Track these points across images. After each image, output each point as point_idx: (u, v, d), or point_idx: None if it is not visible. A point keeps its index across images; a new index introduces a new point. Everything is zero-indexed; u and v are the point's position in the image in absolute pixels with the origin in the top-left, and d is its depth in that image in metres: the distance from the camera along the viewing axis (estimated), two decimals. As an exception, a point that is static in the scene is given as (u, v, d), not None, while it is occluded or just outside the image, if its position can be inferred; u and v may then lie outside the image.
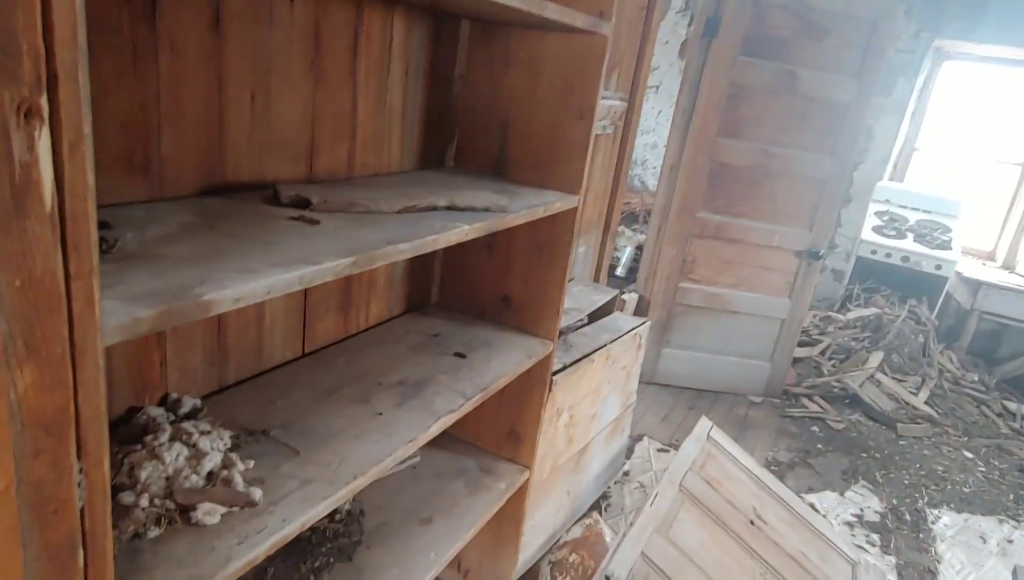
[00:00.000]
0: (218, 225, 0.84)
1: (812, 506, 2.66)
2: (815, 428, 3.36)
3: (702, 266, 3.40)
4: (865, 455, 3.16)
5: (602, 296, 2.17)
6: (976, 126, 4.88)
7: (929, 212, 4.45)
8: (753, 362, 3.56)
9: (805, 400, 3.59)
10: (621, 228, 3.91)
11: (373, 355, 1.30)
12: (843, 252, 4.85)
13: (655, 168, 5.32)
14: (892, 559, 2.46)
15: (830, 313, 4.28)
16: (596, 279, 2.45)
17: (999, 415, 3.73)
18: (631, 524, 1.80)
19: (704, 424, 2.40)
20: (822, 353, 3.90)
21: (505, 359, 1.37)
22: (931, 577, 2.39)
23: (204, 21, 0.93)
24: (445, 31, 1.38)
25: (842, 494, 2.83)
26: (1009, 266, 4.72)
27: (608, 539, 2.00)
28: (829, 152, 3.27)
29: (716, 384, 3.57)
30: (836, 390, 3.63)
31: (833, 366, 3.80)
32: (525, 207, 1.19)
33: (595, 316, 2.09)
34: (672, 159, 3.31)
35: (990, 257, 4.87)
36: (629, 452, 2.81)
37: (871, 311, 4.06)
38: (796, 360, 3.79)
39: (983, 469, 3.22)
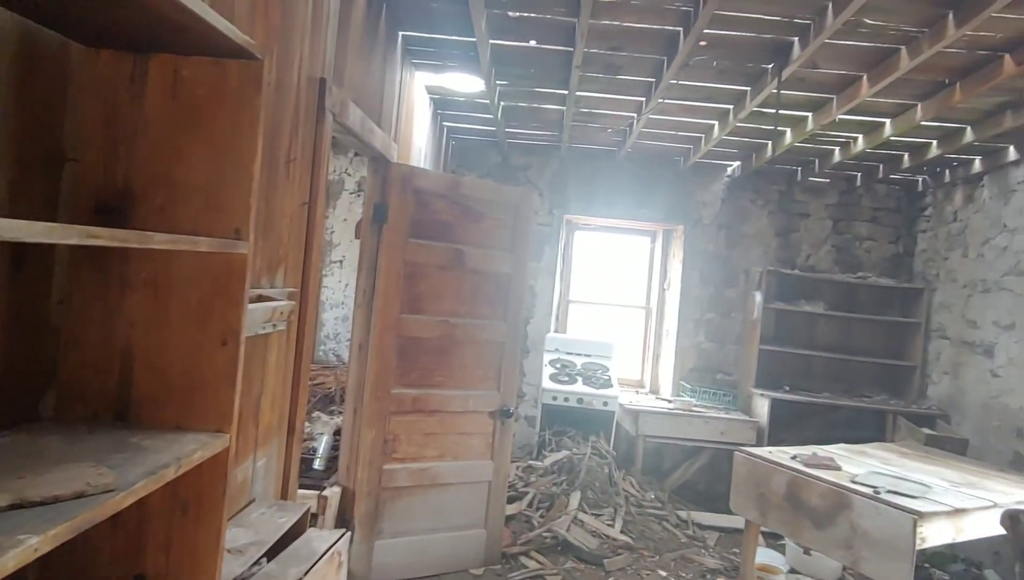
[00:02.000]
0: None
1: None
2: (536, 587, 3.36)
3: (405, 443, 3.30)
4: (584, 604, 3.24)
5: (289, 516, 1.88)
6: (610, 278, 5.97)
7: (590, 356, 5.17)
8: (469, 532, 3.48)
9: (523, 559, 3.60)
10: (316, 414, 3.64)
11: None
12: (531, 399, 5.27)
13: (349, 341, 5.23)
14: None
15: (530, 462, 4.52)
16: (284, 493, 2.14)
17: (676, 526, 4.25)
18: None
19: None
20: (530, 505, 4.03)
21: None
22: None
23: None
24: (29, 254, 1.10)
25: (571, 657, 2.80)
26: (655, 391, 5.67)
27: None
28: (502, 317, 3.58)
29: (436, 566, 3.37)
30: (548, 540, 3.74)
31: (541, 516, 3.94)
32: (146, 474, 0.92)
33: (281, 544, 1.78)
34: (360, 338, 3.25)
35: (640, 385, 5.80)
36: None
37: (563, 454, 4.40)
38: (509, 518, 3.83)
39: (676, 585, 3.55)
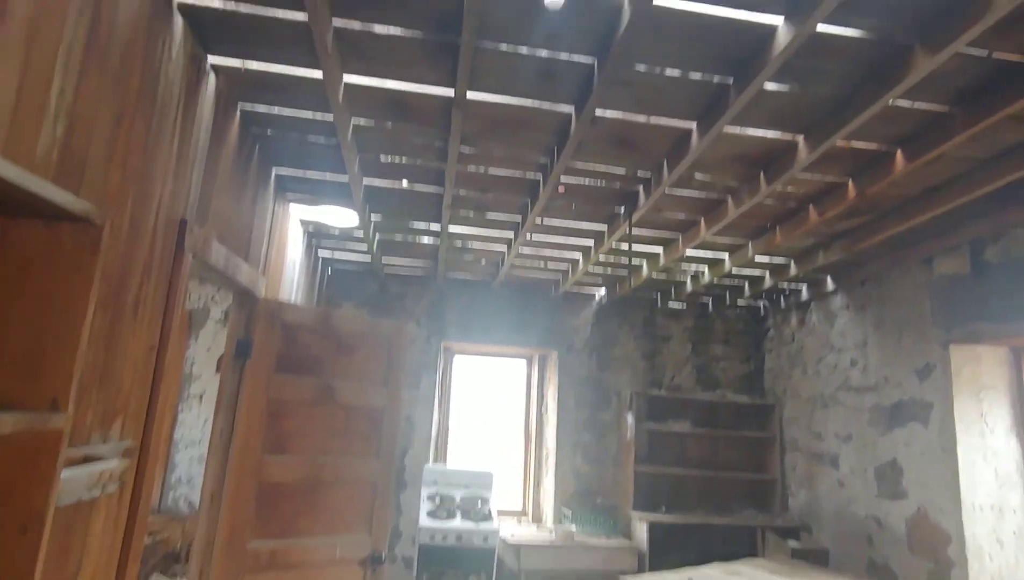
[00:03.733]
0: None
1: None
2: None
3: (262, 605, 2.96)
4: None
5: None
6: (490, 404, 5.96)
7: (469, 487, 5.02)
8: None
9: None
10: (155, 576, 3.19)
11: None
12: (408, 538, 4.97)
13: (205, 484, 4.74)
14: None
15: (407, 610, 4.18)
16: None
17: (563, 670, 4.03)
18: None
19: None
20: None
21: None
22: None
23: None
24: None
25: None
26: (537, 519, 5.56)
27: None
28: (375, 454, 3.43)
29: None
30: None
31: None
32: None
33: None
34: (212, 487, 2.96)
35: (523, 514, 5.68)
36: None
37: (442, 598, 4.12)
38: (382, 681, 3.46)
39: None
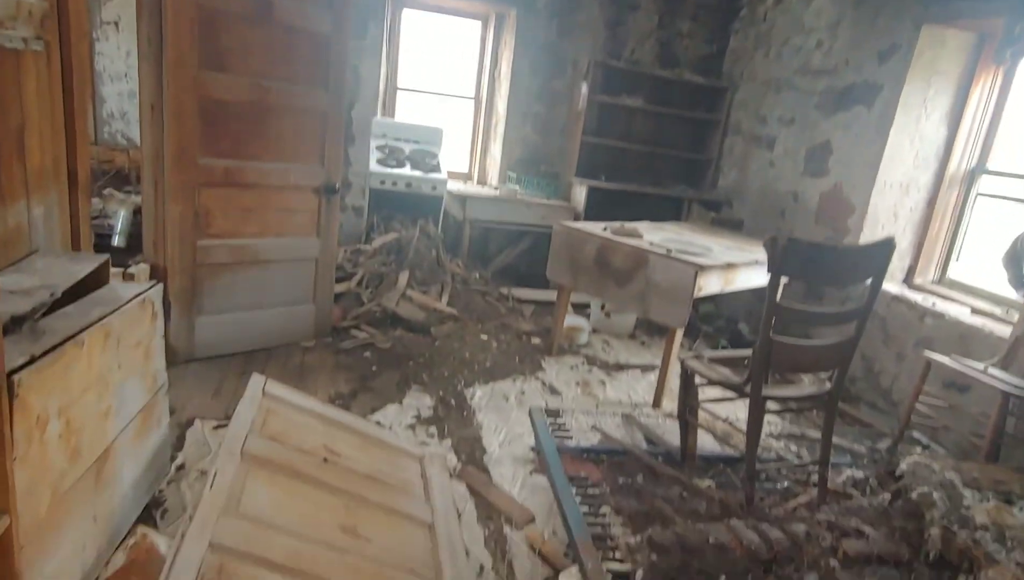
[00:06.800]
0: None
1: (378, 423, 2.79)
2: (367, 354, 3.53)
3: (220, 218, 3.08)
4: (412, 363, 3.48)
5: (85, 265, 1.69)
6: (440, 67, 5.67)
7: (419, 142, 5.04)
8: (298, 308, 3.48)
9: (354, 331, 3.72)
10: (109, 191, 3.21)
11: None
12: (358, 189, 5.11)
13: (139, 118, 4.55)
14: (448, 441, 2.79)
15: (359, 245, 4.50)
16: (75, 245, 1.91)
17: (498, 300, 4.61)
18: (189, 519, 1.52)
19: (256, 382, 2.21)
20: (359, 283, 4.09)
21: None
22: (477, 443, 2.81)
23: None
24: None
25: (400, 403, 3.06)
26: (483, 182, 5.78)
27: (164, 549, 1.66)
28: (323, 84, 3.28)
29: (265, 340, 3.38)
30: (378, 314, 3.87)
31: (371, 293, 4.03)
32: None
33: (79, 291, 1.62)
34: (151, 96, 2.81)
35: (468, 177, 5.87)
36: (179, 442, 2.41)
37: (391, 236, 4.43)
38: (338, 296, 3.88)
39: (495, 344, 3.93)
